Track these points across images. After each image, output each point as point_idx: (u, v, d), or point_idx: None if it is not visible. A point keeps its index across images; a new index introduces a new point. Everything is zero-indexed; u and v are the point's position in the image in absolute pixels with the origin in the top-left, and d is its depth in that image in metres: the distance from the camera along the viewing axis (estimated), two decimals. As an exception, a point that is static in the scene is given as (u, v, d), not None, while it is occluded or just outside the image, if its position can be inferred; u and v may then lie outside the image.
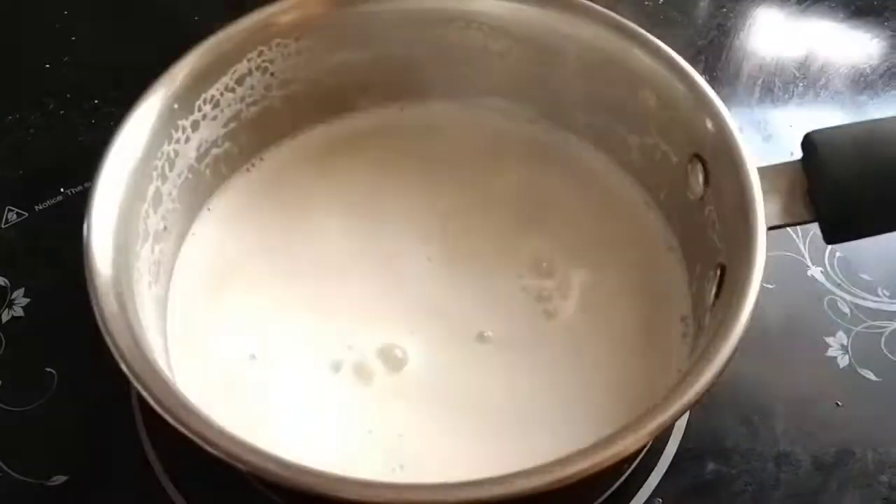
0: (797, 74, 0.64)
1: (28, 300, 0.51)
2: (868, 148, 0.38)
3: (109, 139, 0.41)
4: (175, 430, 0.33)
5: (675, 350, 0.42)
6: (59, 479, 0.44)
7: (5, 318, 0.50)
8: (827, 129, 0.40)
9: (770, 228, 0.37)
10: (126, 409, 0.46)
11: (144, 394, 0.33)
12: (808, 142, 0.39)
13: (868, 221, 0.40)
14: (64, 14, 0.65)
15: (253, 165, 0.49)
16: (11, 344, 0.49)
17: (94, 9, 0.66)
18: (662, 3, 0.67)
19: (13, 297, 0.51)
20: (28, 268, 0.52)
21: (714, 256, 0.40)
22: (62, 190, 0.55)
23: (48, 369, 0.48)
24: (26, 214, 0.54)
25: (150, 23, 0.65)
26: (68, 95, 0.60)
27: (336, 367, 0.42)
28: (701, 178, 0.42)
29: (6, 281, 0.51)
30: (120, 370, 0.46)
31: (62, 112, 0.59)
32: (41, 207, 0.54)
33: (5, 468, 0.45)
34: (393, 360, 0.43)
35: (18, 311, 0.50)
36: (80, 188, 0.55)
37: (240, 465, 0.32)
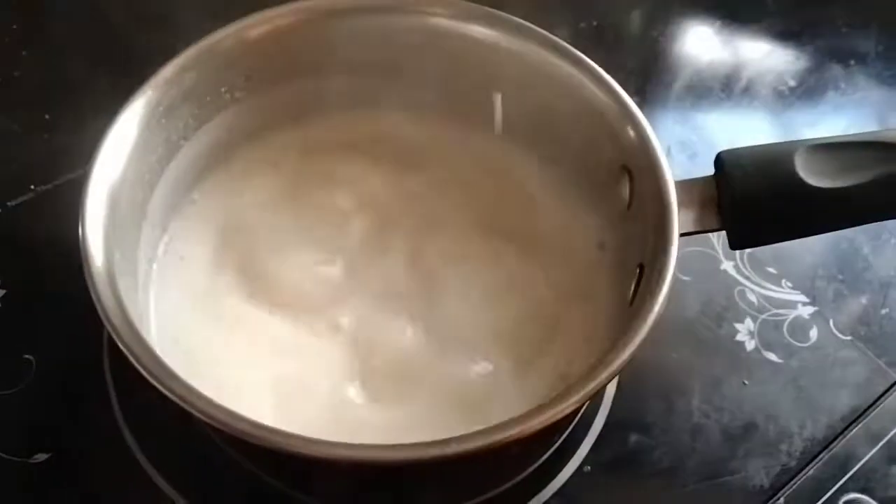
0: (723, 94, 0.66)
1: (5, 291, 0.51)
2: (767, 168, 0.41)
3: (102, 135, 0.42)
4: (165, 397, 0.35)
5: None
6: (41, 456, 0.46)
7: (-18, 308, 0.51)
8: (735, 149, 0.42)
9: (683, 235, 0.40)
10: (102, 390, 0.48)
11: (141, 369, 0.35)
12: (719, 160, 0.42)
13: (766, 232, 0.43)
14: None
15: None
16: (-10, 332, 0.50)
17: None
18: (596, 25, 0.69)
19: (-10, 288, 0.51)
20: (2, 261, 0.52)
21: (636, 257, 0.42)
22: (32, 187, 0.56)
23: (26, 356, 0.49)
24: (-1, 210, 0.55)
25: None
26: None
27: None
28: (627, 188, 0.44)
29: (-18, 274, 0.52)
30: (93, 354, 0.48)
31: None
32: (13, 204, 0.55)
33: (-9, 447, 0.46)
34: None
35: (-4, 302, 0.51)
36: (49, 186, 0.56)
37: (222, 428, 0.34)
